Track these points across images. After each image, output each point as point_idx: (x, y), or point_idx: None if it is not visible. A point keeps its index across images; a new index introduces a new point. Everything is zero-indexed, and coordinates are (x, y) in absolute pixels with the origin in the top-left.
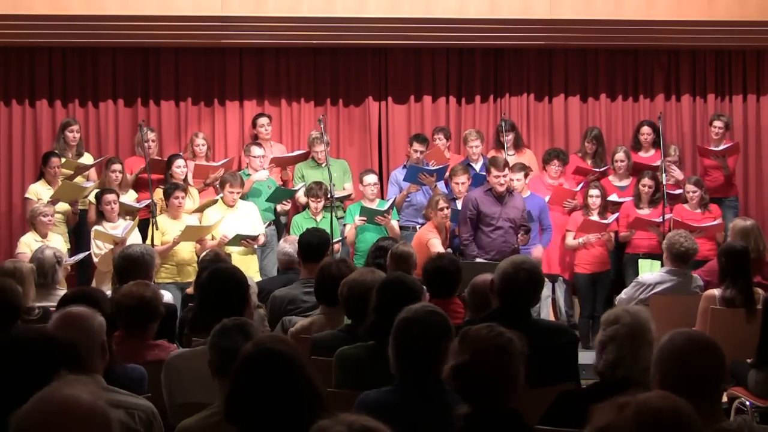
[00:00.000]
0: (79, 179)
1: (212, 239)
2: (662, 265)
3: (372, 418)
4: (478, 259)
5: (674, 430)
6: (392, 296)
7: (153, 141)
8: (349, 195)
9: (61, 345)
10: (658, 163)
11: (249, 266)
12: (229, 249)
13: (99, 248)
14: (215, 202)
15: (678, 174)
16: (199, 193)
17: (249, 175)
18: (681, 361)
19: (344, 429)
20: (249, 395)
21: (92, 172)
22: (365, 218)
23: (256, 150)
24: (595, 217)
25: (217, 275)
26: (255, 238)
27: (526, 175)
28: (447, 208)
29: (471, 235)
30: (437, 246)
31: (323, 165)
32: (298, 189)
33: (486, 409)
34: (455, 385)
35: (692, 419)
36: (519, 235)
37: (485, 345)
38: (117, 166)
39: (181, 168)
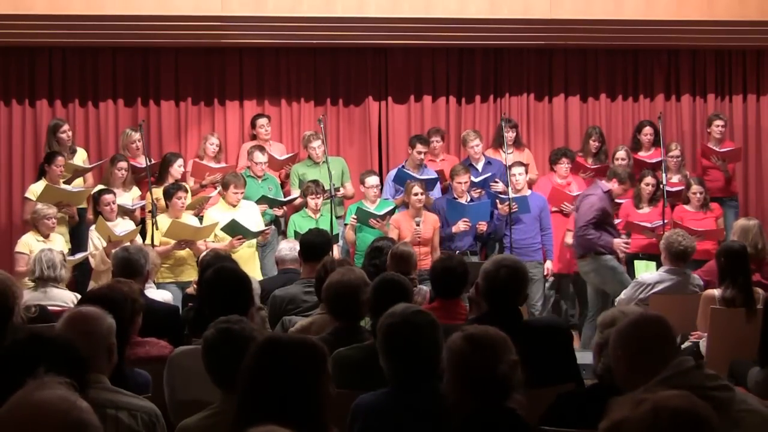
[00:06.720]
0: (78, 181)
1: (215, 239)
2: (658, 266)
3: None
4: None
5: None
6: (388, 296)
7: (139, 140)
8: (348, 194)
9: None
10: (658, 159)
11: (249, 265)
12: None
13: (96, 248)
14: (208, 199)
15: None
16: (193, 195)
17: (251, 176)
18: (637, 336)
19: None
20: (263, 381)
21: (89, 175)
22: (357, 217)
23: (258, 156)
24: None
25: (221, 273)
26: (262, 233)
27: (526, 172)
28: (421, 194)
29: (589, 227)
30: (391, 230)
31: (321, 162)
32: (290, 199)
33: (483, 410)
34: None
35: (711, 421)
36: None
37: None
38: (123, 164)
39: (182, 167)
